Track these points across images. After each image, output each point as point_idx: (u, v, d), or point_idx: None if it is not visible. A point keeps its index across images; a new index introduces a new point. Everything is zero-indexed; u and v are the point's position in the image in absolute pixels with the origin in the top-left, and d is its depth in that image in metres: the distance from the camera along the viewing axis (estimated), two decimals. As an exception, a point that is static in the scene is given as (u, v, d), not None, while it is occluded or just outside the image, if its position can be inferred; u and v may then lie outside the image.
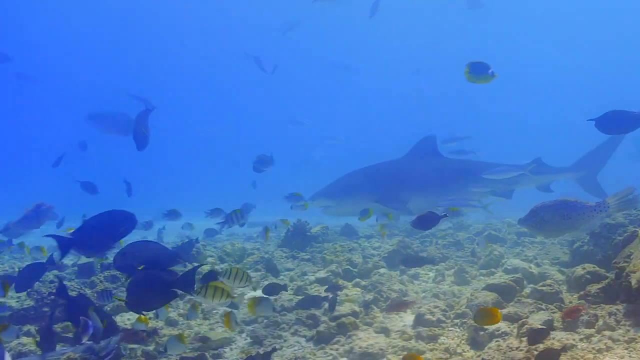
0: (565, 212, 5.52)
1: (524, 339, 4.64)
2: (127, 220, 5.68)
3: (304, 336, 6.04)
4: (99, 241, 5.61)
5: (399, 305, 6.34)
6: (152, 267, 5.06)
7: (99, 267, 9.31)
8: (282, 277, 8.90)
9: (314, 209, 11.08)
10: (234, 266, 5.75)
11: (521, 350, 4.45)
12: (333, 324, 5.84)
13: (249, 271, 9.16)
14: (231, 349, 5.96)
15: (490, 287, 6.39)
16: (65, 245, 5.55)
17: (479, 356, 4.69)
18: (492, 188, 11.72)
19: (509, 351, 4.48)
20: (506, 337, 5.03)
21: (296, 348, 5.73)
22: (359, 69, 43.25)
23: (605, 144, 12.42)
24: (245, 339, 6.22)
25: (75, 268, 9.60)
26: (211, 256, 10.13)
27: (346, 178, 12.43)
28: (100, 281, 8.23)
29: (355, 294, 7.42)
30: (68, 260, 9.93)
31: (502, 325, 5.23)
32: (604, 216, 5.93)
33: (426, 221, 6.57)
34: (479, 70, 5.95)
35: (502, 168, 10.83)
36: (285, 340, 5.97)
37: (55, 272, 8.86)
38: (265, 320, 6.62)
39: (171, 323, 6.72)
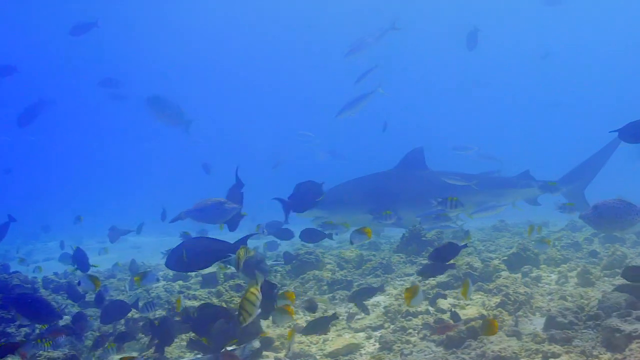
0: (622, 212, 6.20)
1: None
2: (318, 187, 8.00)
3: (433, 341, 6.09)
4: (307, 202, 7.97)
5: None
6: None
7: (222, 276, 9.75)
8: (402, 282, 8.99)
9: None
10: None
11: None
12: (463, 328, 5.86)
13: (368, 277, 9.32)
14: (360, 355, 6.11)
15: (621, 288, 6.20)
16: (286, 206, 8.09)
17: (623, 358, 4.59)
18: (479, 201, 11.75)
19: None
20: (647, 339, 4.88)
21: (426, 353, 5.79)
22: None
23: (594, 159, 12.61)
24: (374, 345, 6.36)
25: (200, 278, 10.10)
26: (329, 263, 10.35)
27: (339, 188, 12.60)
28: (226, 290, 8.61)
29: (479, 298, 7.39)
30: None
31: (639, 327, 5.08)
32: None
33: (445, 252, 6.40)
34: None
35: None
36: (414, 345, 6.05)
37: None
38: (392, 326, 6.73)
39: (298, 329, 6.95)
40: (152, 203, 20.10)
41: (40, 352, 6.08)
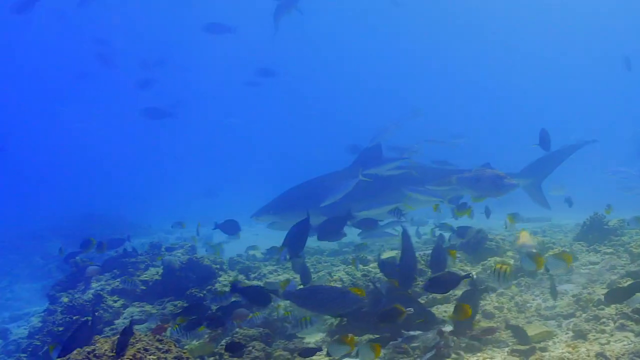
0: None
1: None
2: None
3: (632, 331, 6.00)
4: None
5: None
6: None
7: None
8: (587, 270, 8.81)
9: None
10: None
11: None
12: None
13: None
14: (554, 343, 6.16)
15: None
16: None
17: None
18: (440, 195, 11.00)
19: None
20: None
21: (625, 343, 5.74)
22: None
23: (554, 154, 12.23)
24: (567, 333, 6.37)
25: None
26: (509, 250, 10.32)
27: (289, 192, 12.27)
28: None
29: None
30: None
31: None
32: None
33: (444, 284, 5.90)
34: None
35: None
36: (612, 335, 6.00)
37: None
38: (583, 315, 6.69)
39: (486, 315, 7.12)
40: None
41: (237, 329, 6.80)
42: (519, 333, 6.19)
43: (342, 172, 12.35)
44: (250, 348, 6.46)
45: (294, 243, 7.79)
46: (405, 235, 7.12)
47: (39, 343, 8.48)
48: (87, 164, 43.30)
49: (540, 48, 52.20)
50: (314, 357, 6.22)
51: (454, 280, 5.74)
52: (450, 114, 45.26)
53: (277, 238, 9.44)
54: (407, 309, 5.91)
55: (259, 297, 6.53)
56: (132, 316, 8.27)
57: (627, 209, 12.27)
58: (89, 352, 5.13)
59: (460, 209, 9.44)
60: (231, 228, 9.94)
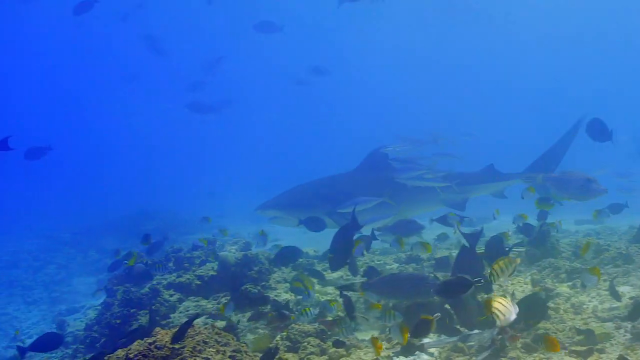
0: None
1: None
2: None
3: (697, 335, 5.88)
4: None
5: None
6: None
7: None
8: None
9: None
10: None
11: None
12: None
13: (607, 267, 9.06)
14: (611, 345, 6.07)
15: None
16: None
17: None
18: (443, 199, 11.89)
19: None
20: None
21: (689, 347, 5.63)
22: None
23: (553, 150, 12.39)
24: (624, 335, 6.27)
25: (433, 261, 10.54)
26: (564, 251, 10.17)
27: (298, 189, 12.29)
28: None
29: None
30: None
31: None
32: None
33: (454, 287, 5.58)
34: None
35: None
36: (674, 339, 5.90)
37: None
38: (642, 318, 6.56)
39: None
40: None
41: (293, 324, 6.90)
42: (585, 334, 6.11)
43: (350, 174, 12.51)
44: (306, 344, 6.55)
45: (340, 251, 7.91)
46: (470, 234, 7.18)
47: (96, 335, 8.75)
48: (144, 161, 44.24)
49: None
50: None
51: (465, 285, 5.46)
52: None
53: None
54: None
55: None
56: (187, 310, 8.47)
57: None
58: (150, 344, 5.30)
59: (543, 202, 9.48)
60: (316, 225, 10.12)
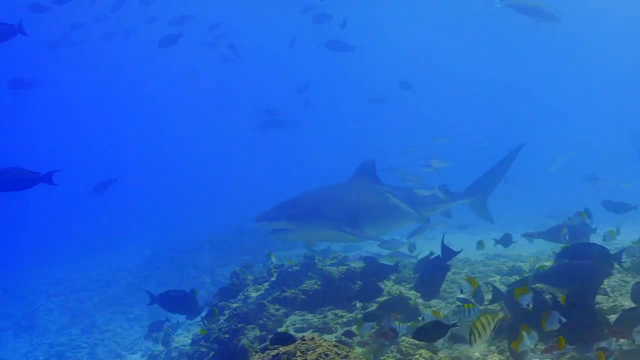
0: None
1: None
2: None
3: None
4: None
5: None
6: None
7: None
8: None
9: None
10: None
11: None
12: None
13: None
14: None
15: None
16: None
17: None
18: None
19: None
20: None
21: None
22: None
23: (495, 170, 12.53)
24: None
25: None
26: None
27: (307, 198, 11.21)
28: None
29: None
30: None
31: None
32: None
33: (430, 331, 5.59)
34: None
35: None
36: None
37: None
38: None
39: None
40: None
41: (403, 337, 6.87)
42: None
43: (350, 184, 11.98)
44: (418, 356, 6.52)
45: (429, 284, 8.03)
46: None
47: (204, 349, 9.03)
48: (238, 179, 45.28)
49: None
50: None
51: (441, 329, 5.55)
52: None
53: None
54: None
55: None
56: (294, 324, 8.61)
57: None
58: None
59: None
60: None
